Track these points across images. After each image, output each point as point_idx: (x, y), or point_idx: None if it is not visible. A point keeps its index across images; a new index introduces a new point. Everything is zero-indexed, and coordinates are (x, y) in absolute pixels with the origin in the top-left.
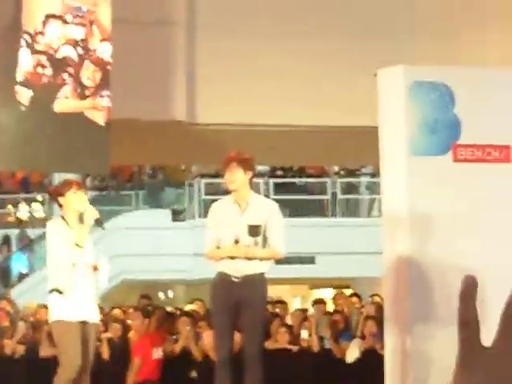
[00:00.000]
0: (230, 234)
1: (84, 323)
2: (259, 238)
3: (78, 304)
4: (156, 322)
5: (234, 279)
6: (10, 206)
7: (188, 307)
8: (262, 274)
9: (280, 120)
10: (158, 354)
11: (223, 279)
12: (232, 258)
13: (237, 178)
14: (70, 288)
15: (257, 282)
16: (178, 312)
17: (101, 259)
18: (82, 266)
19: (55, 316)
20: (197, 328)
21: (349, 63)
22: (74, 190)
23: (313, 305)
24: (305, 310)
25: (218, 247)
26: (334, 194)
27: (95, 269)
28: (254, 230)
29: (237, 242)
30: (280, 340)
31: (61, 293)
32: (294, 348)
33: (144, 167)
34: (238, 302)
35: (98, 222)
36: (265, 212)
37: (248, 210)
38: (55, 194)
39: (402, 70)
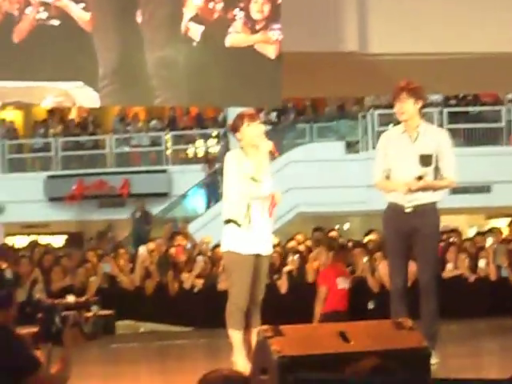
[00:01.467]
0: (401, 164)
1: (257, 256)
2: (431, 168)
3: (252, 237)
4: (337, 253)
5: (406, 209)
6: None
7: (366, 238)
8: (434, 203)
9: (453, 48)
10: (343, 284)
11: (395, 209)
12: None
13: (407, 107)
14: (245, 220)
15: (429, 211)
16: (351, 244)
17: (277, 191)
18: (258, 199)
19: (228, 246)
20: (372, 259)
21: None
22: (248, 122)
23: (486, 233)
24: (480, 239)
25: (388, 177)
26: (508, 122)
27: (272, 202)
28: (425, 160)
29: (420, 178)
30: (460, 266)
31: (238, 225)
32: (471, 277)
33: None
34: (411, 231)
35: (272, 153)
36: (436, 141)
37: (419, 139)
38: (233, 129)
39: None
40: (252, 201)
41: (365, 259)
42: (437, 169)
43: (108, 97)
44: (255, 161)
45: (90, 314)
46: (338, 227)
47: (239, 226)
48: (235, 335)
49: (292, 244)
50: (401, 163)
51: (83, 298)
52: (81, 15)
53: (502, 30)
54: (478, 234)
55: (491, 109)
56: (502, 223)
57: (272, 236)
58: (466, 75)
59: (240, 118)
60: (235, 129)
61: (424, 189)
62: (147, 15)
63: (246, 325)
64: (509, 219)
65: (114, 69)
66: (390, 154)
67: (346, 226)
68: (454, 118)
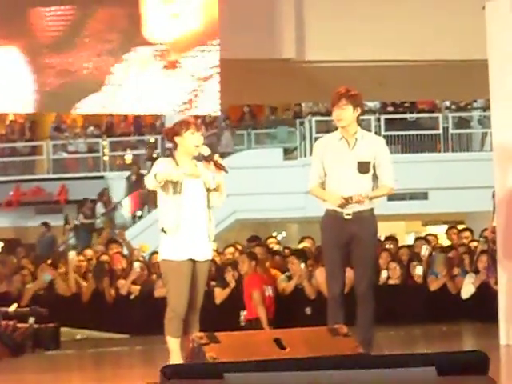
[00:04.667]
0: (338, 171)
1: (193, 261)
2: (368, 175)
3: (186, 242)
4: (262, 262)
5: (344, 216)
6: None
7: (301, 245)
8: (372, 209)
9: (389, 55)
10: (268, 291)
11: (333, 216)
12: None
13: (346, 114)
14: (174, 227)
15: (367, 218)
16: (287, 251)
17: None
18: (192, 201)
19: (162, 255)
20: (308, 266)
21: None
22: (193, 130)
23: (421, 240)
24: (418, 245)
25: (323, 183)
26: (445, 129)
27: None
28: (363, 167)
29: (346, 200)
30: (392, 276)
31: (165, 232)
32: (405, 284)
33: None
34: (349, 238)
35: (220, 167)
36: (373, 148)
37: (356, 146)
38: (171, 134)
39: (510, 1)
40: (182, 207)
41: (302, 266)
42: (374, 176)
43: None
44: (188, 164)
45: (23, 326)
46: (276, 234)
47: (166, 233)
48: (173, 342)
49: (230, 250)
50: (338, 170)
51: (26, 309)
52: None
53: (439, 38)
54: (417, 239)
55: (428, 116)
56: (438, 230)
57: (209, 241)
58: (403, 82)
59: (185, 123)
60: (176, 133)
61: (363, 201)
62: None
63: (184, 332)
64: (445, 226)
65: None
66: (327, 161)
67: (283, 234)
68: (391, 124)
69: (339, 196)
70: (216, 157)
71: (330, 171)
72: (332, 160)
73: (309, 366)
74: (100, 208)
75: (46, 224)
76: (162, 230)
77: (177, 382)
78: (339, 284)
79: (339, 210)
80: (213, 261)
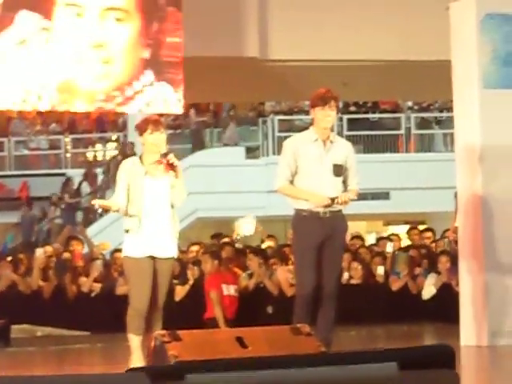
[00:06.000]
0: (314, 172)
1: (155, 259)
2: (340, 178)
3: (147, 239)
4: (225, 261)
5: (321, 214)
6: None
7: (265, 244)
8: (341, 210)
9: (353, 55)
10: (228, 290)
11: (309, 216)
12: (327, 206)
13: (333, 116)
14: (136, 226)
15: (341, 217)
16: (248, 249)
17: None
18: (154, 200)
19: (125, 252)
20: (271, 264)
21: None
22: (151, 129)
23: (385, 239)
24: (381, 245)
25: (291, 182)
26: (408, 129)
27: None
28: (338, 170)
29: (332, 200)
30: (354, 275)
31: (127, 231)
32: (366, 284)
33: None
34: (325, 237)
35: (171, 167)
36: (345, 152)
37: (332, 149)
38: (138, 132)
39: (474, 2)
40: (143, 206)
41: (262, 265)
42: (343, 179)
43: None
44: (151, 167)
45: None
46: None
47: (128, 232)
48: (134, 340)
49: (194, 248)
50: (316, 171)
51: None
52: None
53: (402, 39)
54: (380, 239)
55: (391, 116)
56: (400, 229)
57: (172, 239)
58: (366, 82)
59: (144, 123)
60: (139, 133)
61: (344, 203)
62: None
63: (146, 329)
64: (406, 226)
65: None
66: (303, 160)
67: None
68: (353, 124)
69: (326, 197)
70: (170, 156)
71: (305, 171)
72: (309, 160)
73: (271, 365)
74: (86, 187)
75: (28, 203)
76: (126, 230)
77: None
78: (313, 284)
79: (315, 209)
80: (176, 259)
